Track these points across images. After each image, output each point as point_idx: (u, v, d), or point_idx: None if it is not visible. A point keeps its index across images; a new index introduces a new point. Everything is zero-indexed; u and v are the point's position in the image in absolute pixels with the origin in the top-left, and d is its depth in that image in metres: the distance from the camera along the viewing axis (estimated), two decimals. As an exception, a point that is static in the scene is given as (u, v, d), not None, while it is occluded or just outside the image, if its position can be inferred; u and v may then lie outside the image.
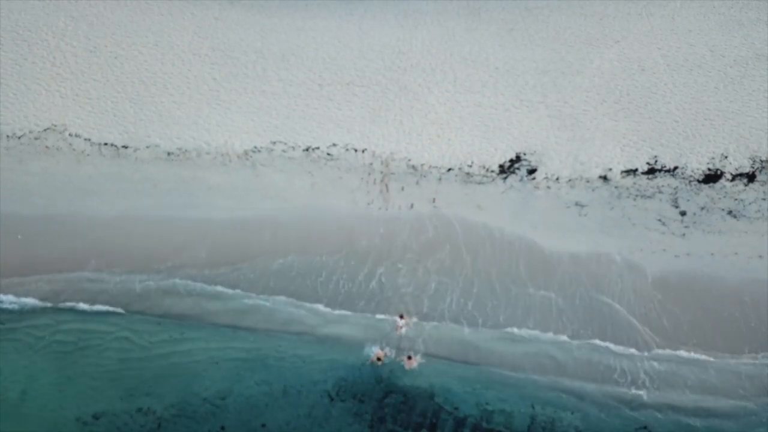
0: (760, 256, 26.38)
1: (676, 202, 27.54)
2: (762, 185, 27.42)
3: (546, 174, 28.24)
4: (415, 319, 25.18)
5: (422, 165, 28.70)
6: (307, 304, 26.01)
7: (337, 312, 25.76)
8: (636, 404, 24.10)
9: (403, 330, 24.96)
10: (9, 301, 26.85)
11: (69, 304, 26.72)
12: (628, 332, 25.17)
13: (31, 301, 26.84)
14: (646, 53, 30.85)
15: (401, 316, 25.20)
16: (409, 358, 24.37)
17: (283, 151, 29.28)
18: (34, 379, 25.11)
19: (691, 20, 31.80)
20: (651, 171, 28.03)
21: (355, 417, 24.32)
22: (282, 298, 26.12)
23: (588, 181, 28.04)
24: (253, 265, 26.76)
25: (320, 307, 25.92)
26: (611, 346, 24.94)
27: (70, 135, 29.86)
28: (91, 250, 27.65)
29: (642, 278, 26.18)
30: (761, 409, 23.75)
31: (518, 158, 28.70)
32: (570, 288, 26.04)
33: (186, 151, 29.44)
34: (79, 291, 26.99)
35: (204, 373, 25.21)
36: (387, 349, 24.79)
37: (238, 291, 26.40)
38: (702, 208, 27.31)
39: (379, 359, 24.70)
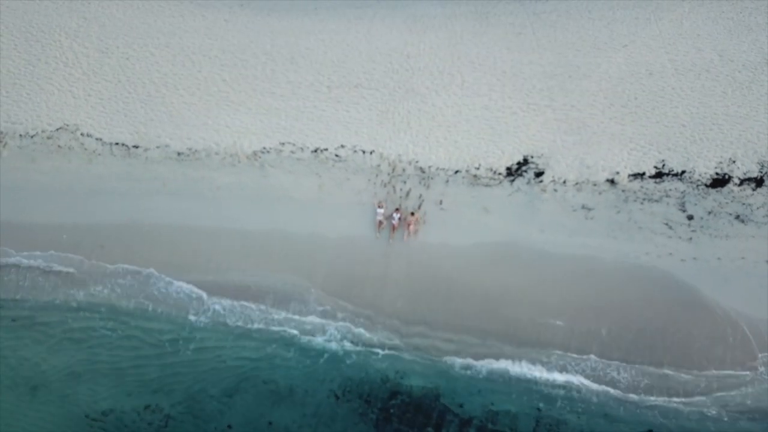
0: (767, 261, 26.37)
1: (683, 206, 27.50)
2: (770, 190, 27.34)
3: (553, 177, 28.27)
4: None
5: (429, 167, 28.81)
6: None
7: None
8: (640, 406, 24.15)
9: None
10: (20, 296, 27.19)
11: (79, 301, 27.06)
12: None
13: (42, 297, 27.16)
14: (653, 57, 30.81)
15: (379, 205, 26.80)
16: (413, 214, 25.65)
17: (292, 152, 29.47)
18: (44, 376, 25.36)
19: (699, 24, 31.73)
20: (658, 175, 27.98)
21: (361, 417, 24.43)
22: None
23: (595, 185, 28.04)
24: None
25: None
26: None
27: (81, 134, 30.20)
28: (99, 249, 28.03)
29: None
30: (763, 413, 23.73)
31: (525, 161, 28.75)
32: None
33: (196, 151, 29.70)
34: (91, 289, 27.36)
35: (212, 371, 25.42)
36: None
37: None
38: (709, 213, 27.26)
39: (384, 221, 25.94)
